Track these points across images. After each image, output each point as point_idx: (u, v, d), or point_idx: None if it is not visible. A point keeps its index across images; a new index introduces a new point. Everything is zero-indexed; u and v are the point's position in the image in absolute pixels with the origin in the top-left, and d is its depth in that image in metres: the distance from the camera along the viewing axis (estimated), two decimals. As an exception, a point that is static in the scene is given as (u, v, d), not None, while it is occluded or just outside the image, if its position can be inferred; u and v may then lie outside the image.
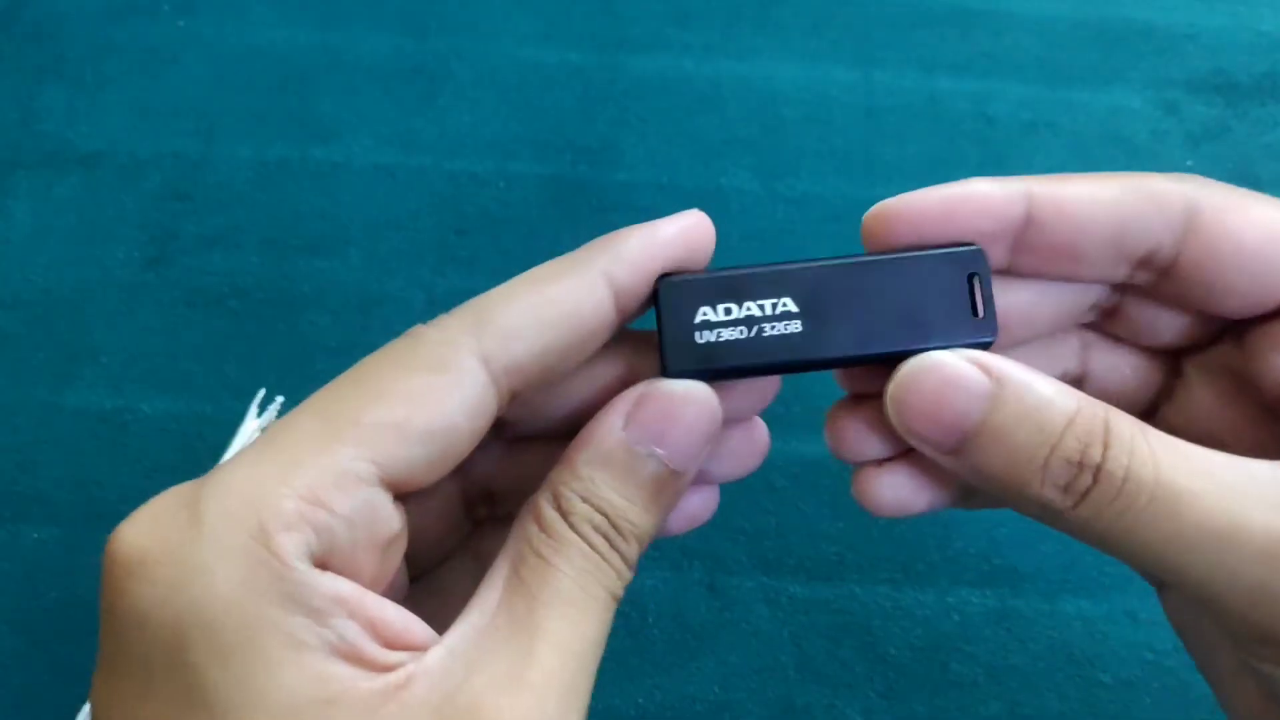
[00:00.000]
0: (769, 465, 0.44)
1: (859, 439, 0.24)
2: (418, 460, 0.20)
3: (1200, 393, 0.24)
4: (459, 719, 0.18)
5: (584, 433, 0.21)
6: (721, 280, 0.22)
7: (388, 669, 0.19)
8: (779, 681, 0.41)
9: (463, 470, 0.23)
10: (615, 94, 0.53)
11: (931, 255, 0.22)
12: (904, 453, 0.24)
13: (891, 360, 0.23)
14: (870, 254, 0.23)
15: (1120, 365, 0.25)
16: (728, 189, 0.51)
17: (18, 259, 0.48)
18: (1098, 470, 0.20)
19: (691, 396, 0.21)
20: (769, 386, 0.24)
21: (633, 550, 0.21)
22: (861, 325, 0.23)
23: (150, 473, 0.44)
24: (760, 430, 0.25)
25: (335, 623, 0.18)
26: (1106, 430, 0.20)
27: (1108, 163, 0.52)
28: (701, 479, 0.24)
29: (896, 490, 0.24)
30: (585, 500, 0.21)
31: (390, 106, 0.52)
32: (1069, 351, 0.25)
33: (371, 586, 0.20)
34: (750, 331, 0.22)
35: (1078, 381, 0.25)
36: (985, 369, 0.21)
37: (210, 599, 0.18)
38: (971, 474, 0.22)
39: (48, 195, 0.50)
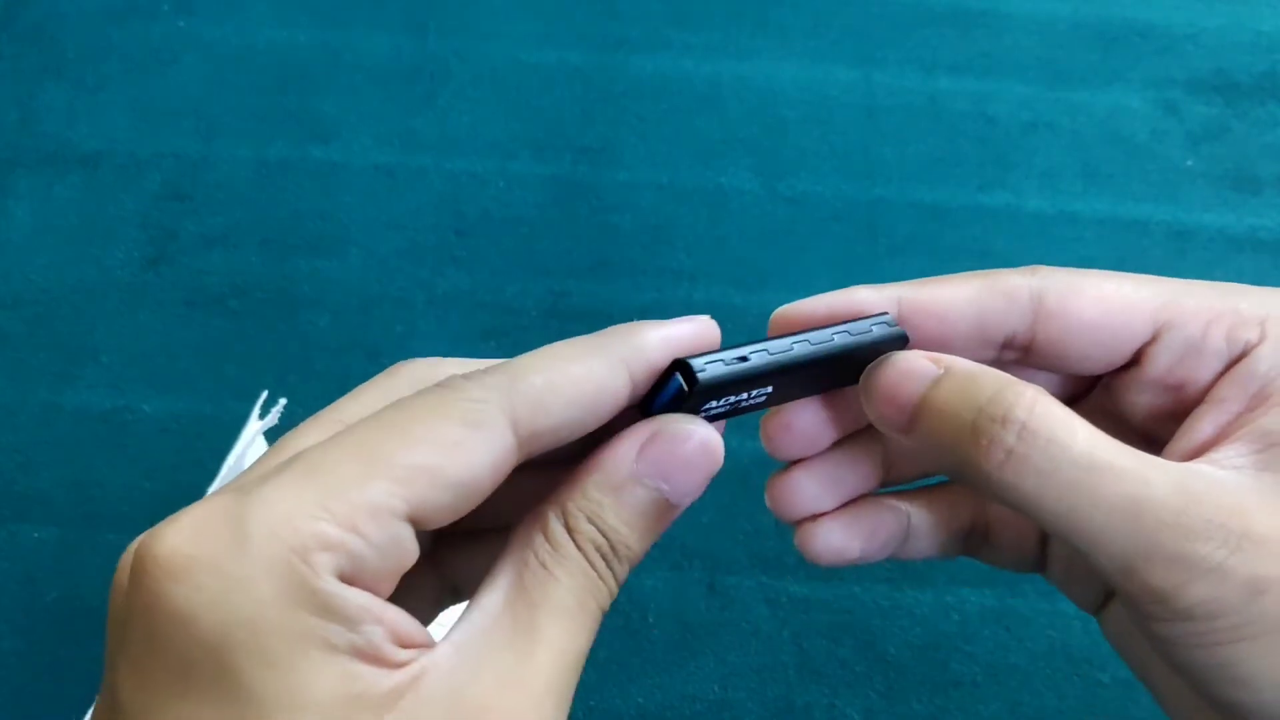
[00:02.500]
0: (769, 466, 0.44)
1: (795, 498, 0.28)
2: (444, 504, 0.21)
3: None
4: (467, 715, 0.20)
5: (597, 458, 0.24)
6: (731, 379, 0.24)
7: (401, 665, 0.21)
8: (779, 681, 0.41)
9: None
10: (615, 94, 0.53)
11: (871, 342, 0.26)
12: (837, 509, 0.28)
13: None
14: (833, 337, 0.26)
15: None
16: (728, 189, 0.51)
17: (18, 259, 0.48)
18: (1022, 428, 0.23)
19: (702, 440, 0.24)
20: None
21: (623, 572, 0.23)
22: (809, 384, 0.26)
23: (150, 473, 0.44)
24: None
25: (364, 627, 0.20)
26: (1034, 399, 0.23)
27: (1108, 162, 0.52)
28: None
29: (829, 540, 0.28)
30: (591, 521, 0.23)
31: (390, 106, 0.52)
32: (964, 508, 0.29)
33: (386, 598, 0.22)
34: (732, 404, 0.25)
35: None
36: (935, 360, 0.25)
37: (254, 606, 0.20)
38: (923, 444, 0.25)
39: (48, 195, 0.50)
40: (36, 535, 0.43)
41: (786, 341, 0.25)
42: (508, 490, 0.23)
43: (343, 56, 0.54)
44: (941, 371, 0.25)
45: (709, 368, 0.24)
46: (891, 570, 0.42)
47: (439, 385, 0.22)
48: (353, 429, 0.22)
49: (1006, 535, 0.30)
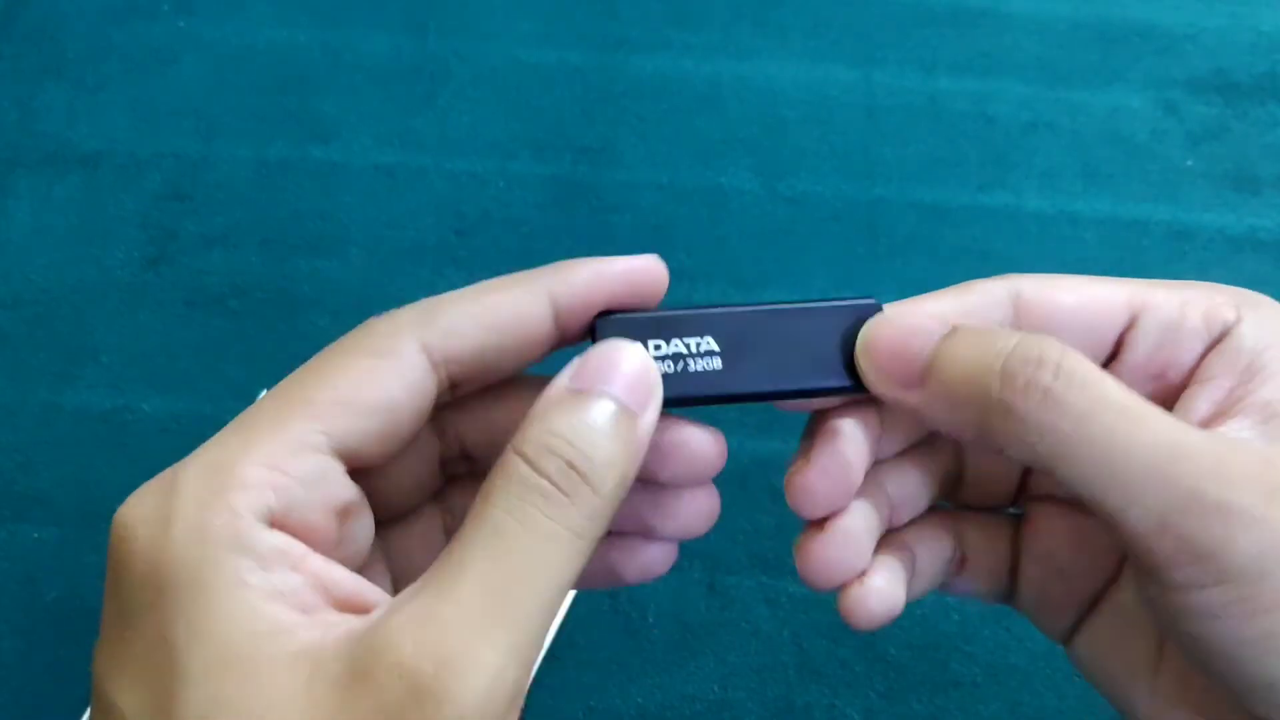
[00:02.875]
0: (768, 466, 0.44)
1: (831, 559, 0.26)
2: (366, 432, 0.22)
3: None
4: (367, 654, 0.19)
5: (538, 397, 0.23)
6: (650, 320, 0.25)
7: (333, 625, 0.20)
8: (779, 681, 0.41)
9: (439, 432, 0.26)
10: (615, 94, 0.53)
11: (834, 306, 0.26)
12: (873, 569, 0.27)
13: (803, 396, 0.26)
14: (782, 302, 0.26)
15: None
16: (728, 189, 0.51)
17: (18, 259, 0.48)
18: (1058, 368, 0.22)
19: (627, 348, 0.24)
20: (716, 454, 0.26)
21: (600, 477, 0.22)
22: (774, 365, 0.25)
23: (150, 473, 0.44)
24: (712, 495, 0.27)
25: (278, 571, 0.20)
26: (1064, 346, 0.23)
27: (1108, 162, 0.52)
28: (656, 535, 0.27)
29: (881, 596, 0.26)
30: (546, 434, 0.22)
31: (390, 106, 0.52)
32: (943, 456, 0.29)
33: (324, 550, 0.22)
34: (676, 367, 0.25)
35: (956, 480, 0.29)
36: (933, 315, 0.25)
37: (174, 546, 0.20)
38: (934, 402, 0.24)
39: (48, 195, 0.50)
40: (36, 535, 0.43)
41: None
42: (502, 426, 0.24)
43: (343, 56, 0.54)
44: (949, 328, 0.24)
45: (621, 313, 0.24)
46: (891, 570, 0.42)
47: (357, 328, 0.23)
48: (281, 384, 0.23)
49: (981, 562, 0.29)
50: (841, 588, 0.27)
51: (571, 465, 0.21)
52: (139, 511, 0.21)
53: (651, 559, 0.27)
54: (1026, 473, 0.30)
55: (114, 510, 0.43)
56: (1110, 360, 0.26)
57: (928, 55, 0.55)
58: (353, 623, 0.20)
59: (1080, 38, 0.56)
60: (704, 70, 0.54)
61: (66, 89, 0.52)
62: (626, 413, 0.23)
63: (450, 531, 0.26)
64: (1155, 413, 0.23)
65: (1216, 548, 0.22)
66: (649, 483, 0.26)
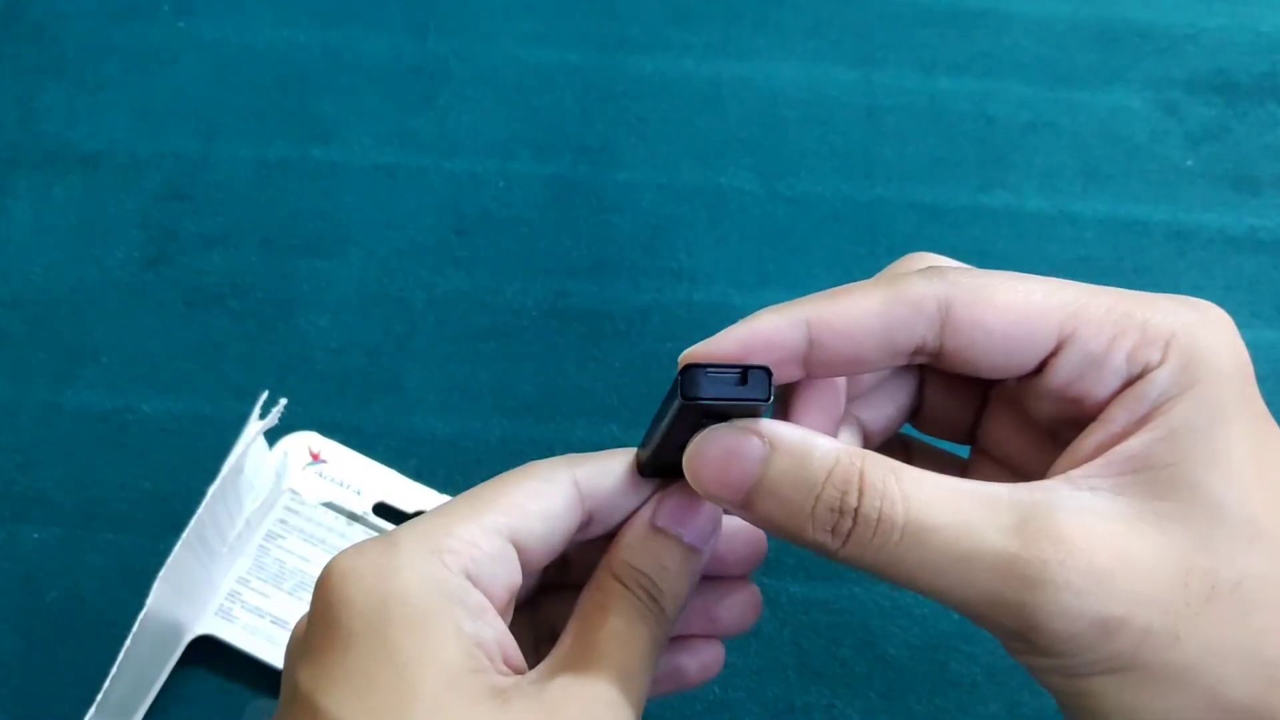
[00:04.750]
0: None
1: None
2: (535, 531, 0.27)
3: (1002, 421, 0.30)
4: (551, 697, 0.25)
5: (625, 525, 0.29)
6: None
7: (507, 675, 0.26)
8: (779, 681, 0.41)
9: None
10: (615, 94, 0.53)
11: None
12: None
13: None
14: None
15: (948, 394, 0.30)
16: (728, 189, 0.51)
17: (18, 259, 0.48)
18: (855, 514, 0.25)
19: (697, 498, 0.28)
20: (756, 552, 0.31)
21: (669, 605, 0.28)
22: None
23: (150, 473, 0.44)
24: (754, 593, 0.31)
25: (484, 621, 0.26)
26: (861, 478, 0.25)
27: (1108, 163, 0.52)
28: (709, 632, 0.31)
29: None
30: (629, 565, 0.28)
31: (390, 106, 0.52)
32: (908, 387, 0.30)
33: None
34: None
35: (916, 410, 0.31)
36: (759, 434, 0.26)
37: (403, 587, 0.25)
38: (760, 524, 0.27)
39: (48, 195, 0.50)
40: (36, 535, 0.43)
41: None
42: (590, 556, 0.29)
43: (343, 56, 0.54)
44: (766, 446, 0.26)
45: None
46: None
47: (521, 466, 0.29)
48: (463, 494, 0.28)
49: (938, 408, 0.30)
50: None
51: (656, 586, 0.28)
52: (362, 560, 0.26)
53: (712, 657, 0.32)
54: (981, 409, 0.31)
55: (114, 510, 0.43)
56: (1034, 374, 0.27)
57: (928, 55, 0.55)
58: (518, 677, 0.26)
59: (1080, 38, 0.56)
60: (704, 70, 0.54)
61: (66, 89, 0.52)
62: (694, 552, 0.28)
63: (535, 627, 0.32)
64: (950, 519, 0.24)
65: (1024, 634, 0.24)
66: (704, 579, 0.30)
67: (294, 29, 0.54)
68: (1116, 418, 0.26)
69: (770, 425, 0.26)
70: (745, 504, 0.26)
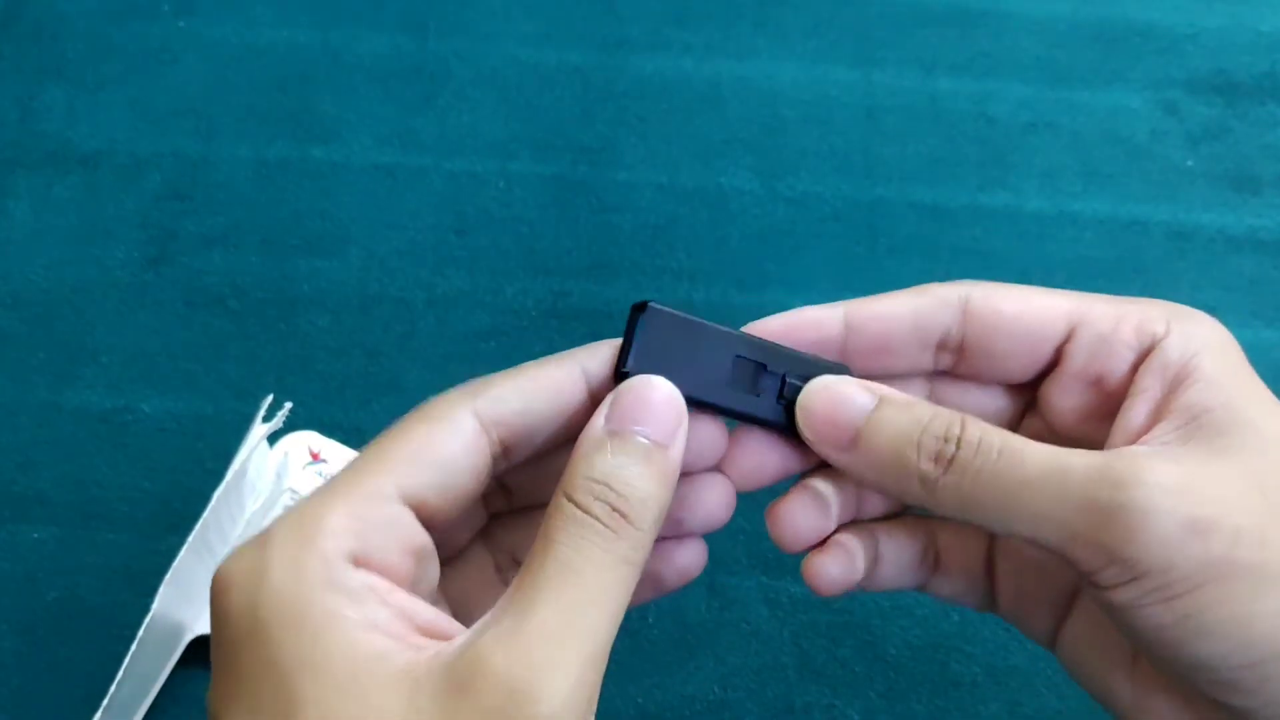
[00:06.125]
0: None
1: (798, 520, 0.30)
2: (429, 484, 0.25)
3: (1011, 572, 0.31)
4: (464, 668, 0.23)
5: (578, 440, 0.26)
6: (679, 321, 0.28)
7: (418, 647, 0.23)
8: (779, 681, 0.41)
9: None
10: (615, 94, 0.53)
11: (811, 360, 0.29)
12: (826, 545, 0.30)
13: (759, 424, 0.29)
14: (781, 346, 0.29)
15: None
16: (728, 189, 0.51)
17: (18, 259, 0.48)
18: (959, 440, 0.27)
19: (653, 384, 0.27)
20: (722, 440, 0.29)
21: (638, 513, 0.25)
22: (749, 389, 0.28)
23: (150, 473, 0.44)
24: (725, 482, 0.30)
25: (369, 605, 0.23)
26: (963, 420, 0.27)
27: (1108, 162, 0.52)
28: (683, 532, 0.30)
29: (838, 560, 0.30)
30: (586, 478, 0.25)
31: (390, 106, 0.52)
32: (918, 543, 0.31)
33: (404, 588, 0.25)
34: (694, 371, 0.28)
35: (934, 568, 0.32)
36: (867, 388, 0.28)
37: (274, 590, 0.23)
38: (863, 465, 0.28)
39: (48, 195, 0.50)
40: (36, 535, 0.43)
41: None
42: (549, 475, 0.27)
43: (343, 56, 0.54)
44: (873, 396, 0.28)
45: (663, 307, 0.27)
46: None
47: (419, 404, 0.27)
48: (354, 458, 0.26)
49: (956, 561, 0.31)
50: (806, 555, 0.30)
51: (614, 507, 0.25)
52: (237, 565, 0.24)
53: (688, 560, 0.30)
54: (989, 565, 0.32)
55: (114, 510, 0.43)
56: (1052, 367, 0.29)
57: (928, 55, 0.55)
58: (439, 646, 0.23)
59: (1080, 38, 0.56)
60: (704, 70, 0.54)
61: (66, 89, 0.52)
62: (658, 449, 0.26)
63: (499, 565, 0.30)
64: (1037, 447, 0.26)
65: (1119, 546, 0.25)
66: None
67: (294, 29, 0.54)
68: (1149, 386, 0.27)
69: (875, 385, 0.28)
70: (852, 443, 0.28)
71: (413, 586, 0.25)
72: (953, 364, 0.30)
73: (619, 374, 0.27)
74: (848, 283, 0.49)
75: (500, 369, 0.46)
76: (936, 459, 0.27)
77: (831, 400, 0.28)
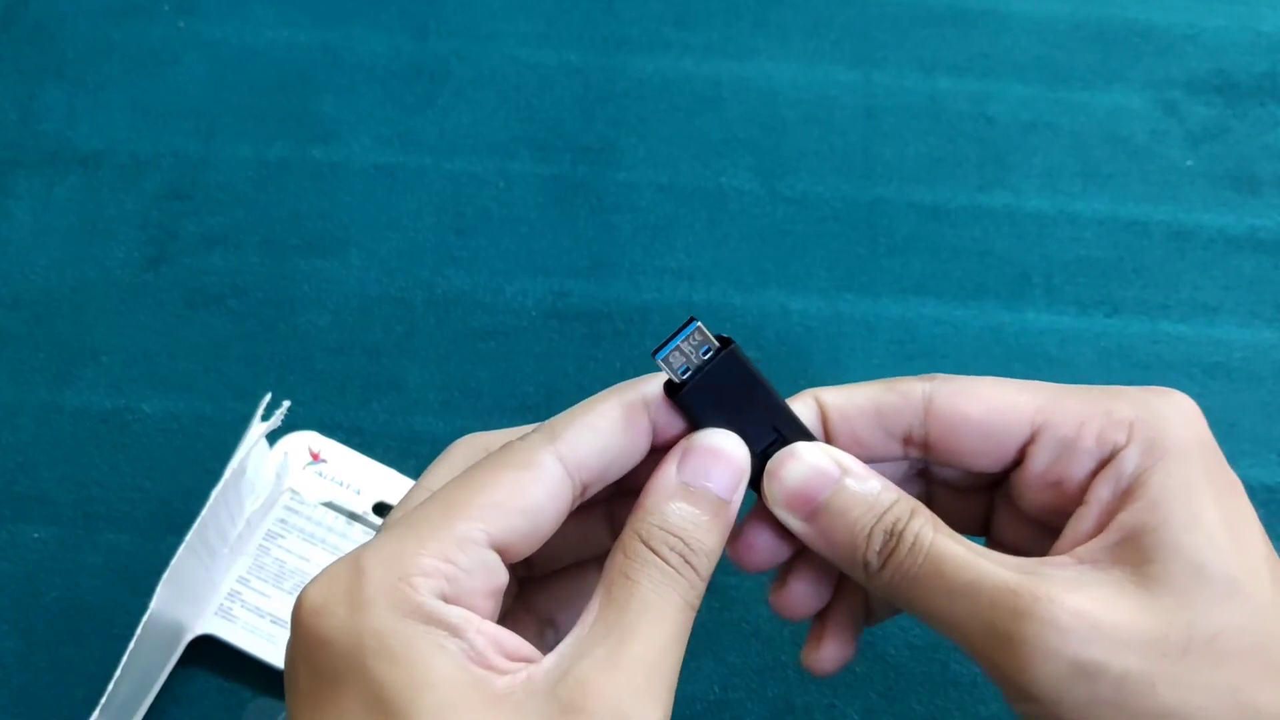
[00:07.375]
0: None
1: (793, 605, 0.32)
2: (518, 529, 0.27)
3: (1005, 515, 0.32)
4: (569, 693, 0.24)
5: (648, 485, 0.28)
6: (752, 376, 0.29)
7: (509, 672, 0.25)
8: (779, 681, 0.41)
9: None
10: (615, 94, 0.53)
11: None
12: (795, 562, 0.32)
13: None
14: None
15: (952, 491, 0.33)
16: (728, 189, 0.51)
17: (18, 259, 0.48)
18: (900, 535, 0.28)
19: (725, 440, 0.28)
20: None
21: (703, 565, 0.27)
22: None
23: (150, 473, 0.44)
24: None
25: (468, 635, 0.25)
26: (912, 513, 0.28)
27: (1108, 162, 0.52)
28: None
29: (829, 649, 0.33)
30: (659, 529, 0.27)
31: (390, 106, 0.52)
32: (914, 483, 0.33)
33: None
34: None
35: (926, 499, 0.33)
36: (836, 462, 0.29)
37: (375, 620, 0.25)
38: (816, 537, 0.29)
39: (48, 195, 0.50)
40: (36, 535, 0.43)
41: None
42: (578, 530, 0.29)
43: (343, 56, 0.54)
44: (840, 471, 0.29)
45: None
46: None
47: (498, 449, 0.28)
48: (436, 493, 0.27)
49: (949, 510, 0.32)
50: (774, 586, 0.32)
51: (685, 558, 0.27)
52: (330, 590, 0.26)
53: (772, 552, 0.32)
54: (990, 510, 0.33)
55: (114, 510, 0.43)
56: (1015, 466, 0.30)
57: (928, 55, 0.55)
58: (527, 669, 0.25)
59: (1080, 38, 0.56)
60: (704, 70, 0.54)
61: (66, 89, 0.52)
62: (723, 504, 0.28)
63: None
64: (960, 556, 0.27)
65: (1013, 673, 0.26)
66: None
67: (294, 29, 0.54)
68: (1100, 496, 0.28)
69: (846, 456, 0.29)
70: (812, 516, 0.29)
71: (490, 619, 0.27)
72: (922, 454, 0.30)
73: (671, 391, 0.29)
74: (847, 283, 0.49)
75: (500, 369, 0.46)
76: (881, 550, 0.28)
77: (807, 472, 0.29)
